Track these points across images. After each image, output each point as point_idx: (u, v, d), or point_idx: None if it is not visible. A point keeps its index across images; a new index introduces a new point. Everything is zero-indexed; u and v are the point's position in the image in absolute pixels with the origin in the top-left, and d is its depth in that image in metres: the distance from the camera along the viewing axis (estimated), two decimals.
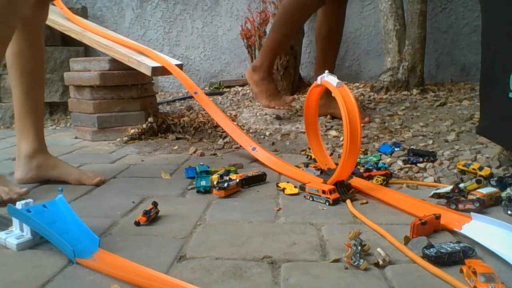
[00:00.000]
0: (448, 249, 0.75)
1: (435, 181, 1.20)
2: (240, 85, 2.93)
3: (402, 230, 0.87)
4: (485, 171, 1.16)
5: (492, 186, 1.08)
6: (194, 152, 1.65)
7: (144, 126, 1.91)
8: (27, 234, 0.86)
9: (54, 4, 2.32)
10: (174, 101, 2.76)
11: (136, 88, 1.97)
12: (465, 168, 1.20)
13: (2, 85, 2.41)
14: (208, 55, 3.02)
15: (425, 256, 0.75)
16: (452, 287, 0.68)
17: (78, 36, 2.08)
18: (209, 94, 2.74)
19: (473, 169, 1.18)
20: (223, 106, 2.50)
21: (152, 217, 0.97)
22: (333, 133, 1.76)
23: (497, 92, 1.11)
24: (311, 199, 1.09)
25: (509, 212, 0.96)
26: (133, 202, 1.12)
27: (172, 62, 1.85)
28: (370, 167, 1.29)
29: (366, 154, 1.48)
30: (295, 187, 1.16)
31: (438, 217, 0.87)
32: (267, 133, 1.87)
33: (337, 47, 2.01)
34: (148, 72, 1.78)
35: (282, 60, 2.40)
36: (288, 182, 1.21)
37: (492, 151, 1.30)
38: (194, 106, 2.42)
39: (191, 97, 2.73)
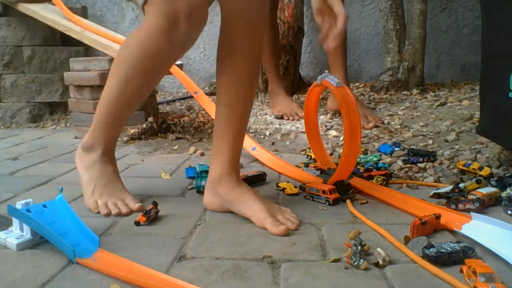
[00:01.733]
0: (448, 249, 0.75)
1: (435, 181, 1.20)
2: None
3: (402, 230, 0.87)
4: (485, 171, 1.16)
5: (492, 186, 1.08)
6: (194, 152, 1.65)
7: (144, 126, 1.91)
8: (27, 234, 0.86)
9: (54, 4, 2.33)
10: (174, 101, 2.75)
11: None
12: (465, 168, 1.20)
13: (2, 85, 2.41)
14: (208, 55, 3.02)
15: (425, 256, 0.75)
16: (452, 287, 0.68)
17: (78, 36, 2.08)
18: (209, 94, 2.74)
19: (473, 169, 1.18)
20: None
21: (152, 217, 0.97)
22: (333, 133, 1.76)
23: (497, 92, 1.11)
24: (311, 199, 1.09)
25: (509, 212, 0.96)
26: None
27: None
28: (370, 167, 1.29)
29: (366, 154, 1.47)
30: (295, 187, 1.16)
31: (438, 217, 0.87)
32: (267, 133, 1.87)
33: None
34: None
35: (282, 60, 2.40)
36: (288, 182, 1.21)
37: (492, 151, 1.30)
38: (194, 106, 2.42)
39: (191, 97, 2.72)
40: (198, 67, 3.05)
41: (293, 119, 2.02)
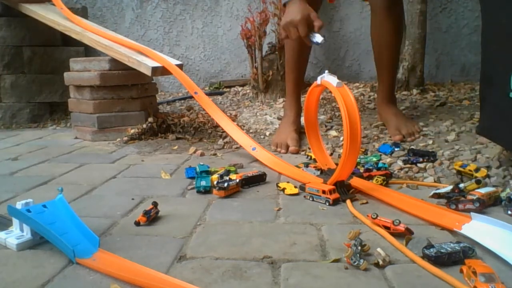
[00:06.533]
0: (448, 249, 0.75)
1: (435, 181, 1.20)
2: (240, 85, 2.93)
3: None
4: (482, 173, 1.15)
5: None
6: (194, 152, 1.65)
7: (144, 126, 1.91)
8: (27, 234, 0.86)
9: (54, 4, 2.33)
10: (174, 101, 2.76)
11: (136, 88, 1.97)
12: (461, 169, 1.20)
13: (2, 85, 2.41)
14: (208, 55, 3.02)
15: (425, 256, 0.75)
16: (452, 287, 0.68)
17: (78, 36, 2.08)
18: (209, 94, 2.74)
19: (470, 170, 1.17)
20: (223, 106, 2.50)
21: (152, 217, 0.97)
22: (333, 133, 1.76)
23: (497, 92, 1.11)
24: (311, 199, 1.09)
25: (509, 212, 0.96)
26: (133, 199, 1.12)
27: (172, 62, 1.85)
28: (370, 167, 1.29)
29: (366, 154, 1.47)
30: (295, 187, 1.16)
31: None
32: (267, 133, 1.87)
33: (387, 61, 1.69)
34: (148, 72, 1.78)
35: (282, 60, 2.40)
36: (288, 182, 1.21)
37: (492, 151, 1.30)
38: (194, 106, 2.42)
39: (191, 97, 2.73)
40: (198, 67, 3.05)
41: (279, 152, 1.63)
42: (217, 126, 1.90)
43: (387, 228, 0.86)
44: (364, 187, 1.13)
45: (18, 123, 2.43)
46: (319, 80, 1.15)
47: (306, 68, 1.87)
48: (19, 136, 2.12)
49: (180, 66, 1.88)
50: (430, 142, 1.51)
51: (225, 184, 1.13)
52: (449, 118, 1.74)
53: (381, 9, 1.61)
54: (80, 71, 1.97)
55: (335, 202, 1.06)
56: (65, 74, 2.05)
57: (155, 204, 0.99)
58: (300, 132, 1.71)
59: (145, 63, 1.79)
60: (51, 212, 0.88)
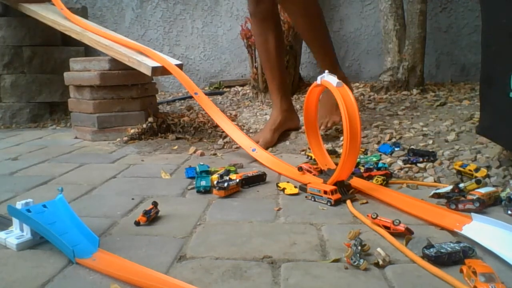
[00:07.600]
0: (448, 249, 0.75)
1: (435, 181, 1.20)
2: (240, 85, 2.93)
3: None
4: (482, 173, 1.15)
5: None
6: (194, 152, 1.65)
7: (144, 126, 1.91)
8: (27, 234, 0.86)
9: (54, 4, 2.33)
10: (174, 101, 2.76)
11: (136, 88, 1.97)
12: (461, 169, 1.20)
13: (2, 85, 2.41)
14: (208, 55, 3.02)
15: (425, 256, 0.75)
16: (452, 287, 0.68)
17: (78, 36, 2.08)
18: (209, 94, 2.74)
19: (469, 170, 1.17)
20: (223, 106, 2.50)
21: (152, 217, 0.97)
22: (332, 133, 1.75)
23: (497, 91, 1.11)
24: (312, 199, 1.09)
25: (509, 212, 0.96)
26: (133, 199, 1.12)
27: (172, 62, 1.84)
28: (370, 167, 1.29)
29: (366, 154, 1.47)
30: (295, 187, 1.16)
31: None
32: None
33: (307, 42, 1.76)
34: (148, 72, 1.78)
35: None
36: (288, 182, 1.21)
37: (492, 151, 1.30)
38: (194, 106, 2.42)
39: (191, 97, 2.73)
40: (198, 67, 3.05)
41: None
42: (217, 126, 1.90)
43: (387, 228, 0.86)
44: (364, 187, 1.13)
45: (18, 123, 2.43)
46: (319, 80, 1.15)
47: (282, 63, 1.85)
48: (19, 136, 2.12)
49: (180, 66, 1.87)
50: (430, 142, 1.51)
51: (225, 184, 1.13)
52: (449, 118, 1.74)
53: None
54: (80, 71, 1.97)
55: (337, 203, 1.06)
56: (65, 74, 2.05)
57: (155, 204, 0.99)
58: (282, 129, 1.79)
59: (145, 63, 1.79)
60: (51, 212, 0.88)
